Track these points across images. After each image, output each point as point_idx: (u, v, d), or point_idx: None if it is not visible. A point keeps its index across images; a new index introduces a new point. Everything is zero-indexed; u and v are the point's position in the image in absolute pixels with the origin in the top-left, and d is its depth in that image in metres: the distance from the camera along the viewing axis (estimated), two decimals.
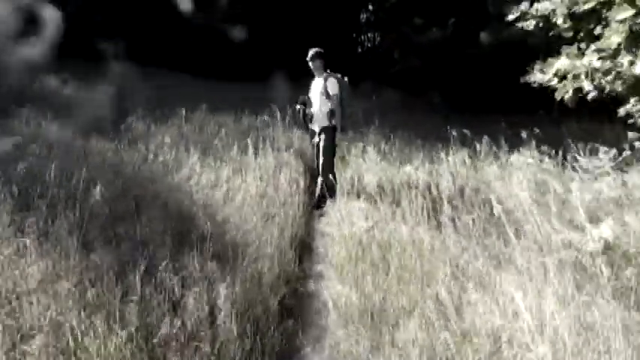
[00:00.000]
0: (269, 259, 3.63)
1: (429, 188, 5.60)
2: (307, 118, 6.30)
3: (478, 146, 7.44)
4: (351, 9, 25.75)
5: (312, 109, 6.23)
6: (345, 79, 6.24)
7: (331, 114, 6.03)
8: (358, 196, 5.74)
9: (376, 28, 26.89)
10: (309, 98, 6.28)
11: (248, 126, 8.09)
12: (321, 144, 6.09)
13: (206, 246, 3.41)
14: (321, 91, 6.04)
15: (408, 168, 6.54)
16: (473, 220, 4.56)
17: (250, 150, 6.43)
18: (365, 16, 28.86)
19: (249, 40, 17.93)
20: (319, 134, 6.15)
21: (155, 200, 4.14)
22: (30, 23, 10.04)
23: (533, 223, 4.35)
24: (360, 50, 27.79)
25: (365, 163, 6.86)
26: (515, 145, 7.85)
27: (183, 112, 8.22)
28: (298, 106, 6.30)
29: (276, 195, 5.16)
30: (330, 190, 5.86)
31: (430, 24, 16.35)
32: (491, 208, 4.85)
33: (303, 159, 6.92)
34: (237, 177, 5.47)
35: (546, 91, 9.30)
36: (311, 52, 6.17)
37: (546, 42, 14.19)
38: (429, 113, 12.60)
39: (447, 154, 7.36)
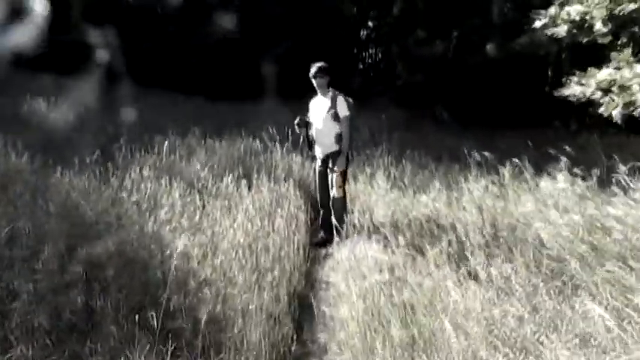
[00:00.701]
0: (257, 345, 2.67)
1: (452, 225, 4.65)
2: (310, 142, 5.43)
3: (499, 168, 6.50)
4: (351, 25, 25.03)
5: (313, 132, 5.34)
6: (350, 100, 5.33)
7: (339, 138, 5.13)
8: (368, 234, 4.79)
9: (377, 43, 26.16)
10: (308, 119, 5.39)
11: (243, 151, 7.15)
12: (330, 173, 5.18)
13: (170, 331, 2.45)
14: (327, 112, 5.13)
15: (424, 198, 5.59)
16: (514, 270, 3.61)
17: (244, 181, 5.51)
18: (365, 32, 28.19)
19: (246, 57, 17.16)
20: (324, 161, 5.26)
21: (116, 260, 3.20)
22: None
23: (593, 275, 3.39)
24: (361, 67, 27.04)
25: (374, 192, 5.91)
26: (540, 165, 6.90)
27: (171, 136, 7.31)
28: (297, 129, 5.42)
29: (271, 240, 4.20)
30: (340, 219, 4.95)
31: (433, 37, 15.49)
32: (534, 253, 3.91)
33: (304, 189, 5.98)
34: (226, 217, 4.53)
35: (563, 102, 8.43)
36: (314, 67, 5.24)
37: (559, 51, 13.37)
38: (438, 130, 11.66)
39: (466, 179, 6.41)
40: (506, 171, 6.24)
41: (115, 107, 9.83)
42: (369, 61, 27.88)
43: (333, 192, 5.12)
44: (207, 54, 18.03)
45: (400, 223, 4.94)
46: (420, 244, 4.20)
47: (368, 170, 6.62)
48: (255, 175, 5.83)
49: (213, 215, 4.50)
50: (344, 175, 5.20)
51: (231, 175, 5.85)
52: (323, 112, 5.18)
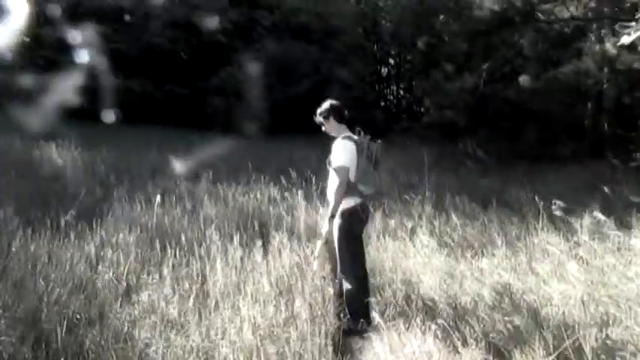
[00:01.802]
0: None
1: (536, 309, 3.32)
2: None
3: (567, 217, 5.17)
4: (373, 62, 24.21)
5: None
6: (378, 141, 3.94)
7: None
8: (416, 316, 3.48)
9: (399, 80, 25.20)
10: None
11: (258, 200, 5.96)
12: (334, 241, 3.73)
13: None
14: (329, 160, 3.78)
15: (484, 263, 4.27)
16: None
17: (258, 242, 4.29)
18: (386, 69, 27.33)
19: (267, 95, 16.29)
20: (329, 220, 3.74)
21: None
22: None
23: None
24: (383, 104, 26.06)
25: (417, 253, 4.61)
26: (610, 208, 5.56)
27: (179, 182, 6.18)
28: None
29: (289, 332, 2.94)
30: (354, 313, 3.50)
31: (461, 70, 14.37)
32: None
33: (332, 251, 4.72)
34: (232, 298, 3.29)
35: (614, 134, 7.19)
36: (320, 109, 3.89)
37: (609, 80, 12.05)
38: (474, 170, 10.33)
39: (528, 232, 5.09)
40: (580, 224, 4.91)
41: (115, 147, 8.85)
42: (391, 97, 26.94)
43: (314, 264, 3.73)
44: (229, 92, 17.32)
45: (460, 303, 3.62)
46: (499, 344, 2.89)
47: (407, 223, 5.33)
48: (273, 233, 4.60)
49: (214, 297, 3.26)
50: (344, 247, 3.64)
51: (244, 233, 4.67)
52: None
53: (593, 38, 11.70)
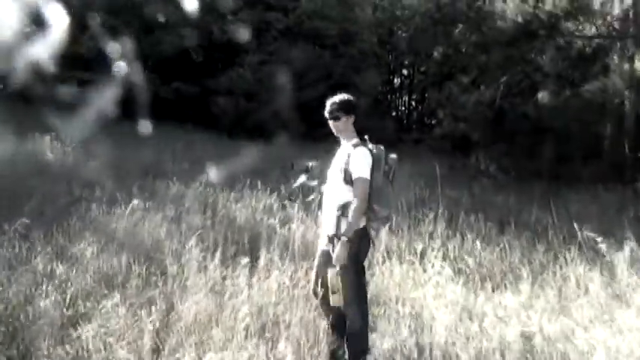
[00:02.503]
0: None
1: None
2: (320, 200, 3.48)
3: (599, 246, 4.45)
4: (385, 72, 23.54)
5: (324, 192, 3.29)
6: (394, 155, 3.23)
7: (345, 210, 2.95)
8: None
9: (411, 91, 24.50)
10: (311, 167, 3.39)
11: (252, 210, 5.29)
12: (338, 273, 2.92)
13: None
14: (338, 168, 3.09)
15: (508, 298, 3.56)
16: None
17: (244, 259, 3.62)
18: (399, 80, 26.64)
19: (278, 99, 15.68)
20: (330, 239, 3.05)
21: None
22: None
23: None
24: (394, 114, 25.35)
25: (429, 283, 3.91)
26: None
27: (171, 184, 5.54)
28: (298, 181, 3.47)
29: None
30: (356, 354, 2.90)
31: (478, 83, 13.68)
32: None
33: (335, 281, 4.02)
34: (196, 338, 2.61)
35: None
36: (330, 101, 3.19)
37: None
38: (489, 186, 9.59)
39: (557, 262, 4.37)
40: (618, 257, 4.18)
41: (112, 143, 8.23)
42: (403, 108, 26.24)
43: (332, 300, 2.90)
44: (237, 93, 16.72)
45: (482, 350, 2.91)
46: None
47: (417, 244, 4.62)
48: (263, 251, 3.92)
49: (177, 332, 2.59)
50: (350, 275, 2.91)
51: (230, 247, 4.00)
52: (334, 167, 3.13)
53: (616, 58, 10.98)
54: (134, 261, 3.34)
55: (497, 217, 6.39)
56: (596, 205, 7.73)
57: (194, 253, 3.66)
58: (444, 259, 4.42)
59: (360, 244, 2.97)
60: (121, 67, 10.58)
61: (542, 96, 11.77)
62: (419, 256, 4.43)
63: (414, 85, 23.81)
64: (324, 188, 3.19)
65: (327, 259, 2.99)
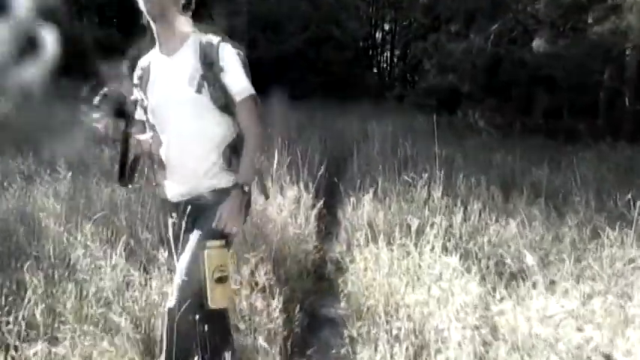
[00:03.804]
0: None
1: None
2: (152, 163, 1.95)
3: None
4: (367, 26, 21.82)
5: (152, 137, 1.87)
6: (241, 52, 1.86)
7: (233, 151, 1.83)
8: None
9: (394, 45, 22.87)
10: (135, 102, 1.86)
11: None
12: (201, 250, 1.70)
13: None
14: (193, 83, 1.76)
15: (542, 299, 2.35)
16: None
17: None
18: (380, 34, 24.92)
19: (250, 54, 14.06)
20: (189, 213, 1.80)
21: None
22: None
23: None
24: (375, 70, 23.80)
25: (428, 275, 2.69)
26: None
27: None
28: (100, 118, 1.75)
29: None
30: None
31: (467, 31, 12.24)
32: None
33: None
34: None
35: None
36: None
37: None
38: (482, 144, 8.36)
39: (595, 242, 3.17)
40: None
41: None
42: (384, 65, 24.66)
43: (209, 301, 1.67)
44: None
45: None
46: None
47: (410, 220, 3.37)
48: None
49: None
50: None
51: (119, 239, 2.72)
52: (178, 85, 1.79)
53: None
54: None
55: (499, 180, 5.17)
56: (605, 165, 6.57)
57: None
58: (446, 238, 3.20)
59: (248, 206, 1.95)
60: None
61: (538, 44, 10.44)
62: (414, 235, 3.19)
63: (396, 40, 22.19)
64: (158, 128, 1.86)
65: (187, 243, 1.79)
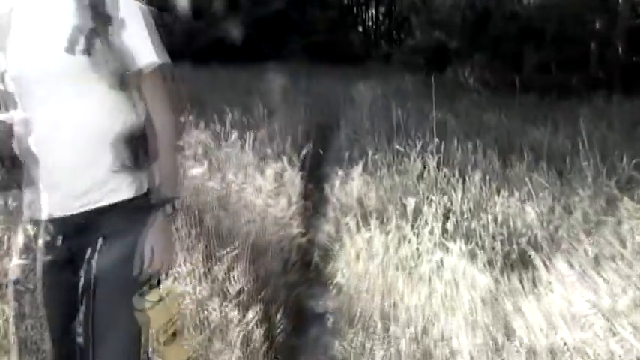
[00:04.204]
0: None
1: None
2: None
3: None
4: None
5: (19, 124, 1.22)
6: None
7: (132, 145, 1.21)
8: None
9: (379, 3, 21.90)
10: None
11: None
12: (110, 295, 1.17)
13: None
14: (71, 49, 1.14)
15: (572, 297, 2.00)
16: None
17: None
18: None
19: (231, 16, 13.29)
20: (66, 237, 1.20)
21: None
22: None
23: None
24: (360, 29, 22.89)
25: (428, 265, 2.32)
26: None
27: None
28: None
29: None
30: None
31: None
32: None
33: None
34: None
35: None
36: None
37: None
38: (475, 105, 7.92)
39: (614, 213, 2.82)
40: None
41: None
42: (370, 23, 23.73)
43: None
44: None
45: None
46: None
47: (404, 197, 2.98)
48: None
49: None
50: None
51: None
52: (50, 44, 1.16)
53: None
54: None
55: (496, 144, 4.77)
56: (604, 122, 6.18)
57: None
58: (446, 219, 2.83)
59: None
60: None
61: None
62: (410, 216, 2.81)
63: None
64: (21, 98, 1.21)
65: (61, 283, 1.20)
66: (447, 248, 2.46)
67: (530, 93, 8.26)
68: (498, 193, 3.27)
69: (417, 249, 2.55)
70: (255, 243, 2.55)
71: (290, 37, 14.67)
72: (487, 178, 3.48)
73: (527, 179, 3.31)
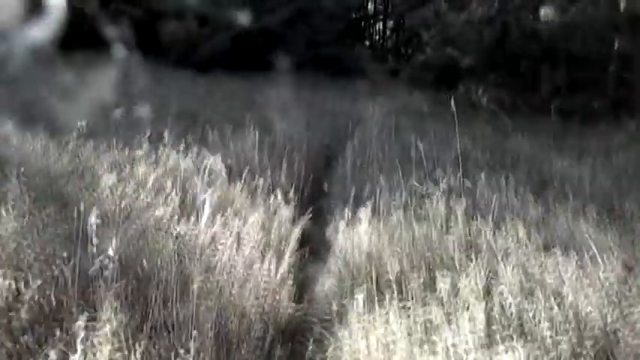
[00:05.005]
0: None
1: None
2: None
3: None
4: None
5: None
6: None
7: None
8: None
9: (387, 16, 21.19)
10: None
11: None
12: None
13: None
14: None
15: None
16: None
17: None
18: (373, 5, 23.17)
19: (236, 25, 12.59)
20: None
21: None
22: None
23: None
24: (368, 43, 22.18)
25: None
26: None
27: None
28: None
29: None
30: None
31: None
32: None
33: None
34: None
35: None
36: None
37: None
38: (493, 128, 7.11)
39: None
40: None
41: None
42: (377, 37, 22.98)
43: None
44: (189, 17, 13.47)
45: None
46: None
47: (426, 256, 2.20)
48: None
49: None
50: None
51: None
52: None
53: None
54: None
55: (532, 177, 3.99)
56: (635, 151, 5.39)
57: None
58: (487, 302, 2.03)
59: None
60: None
61: (546, 12, 9.10)
62: (447, 294, 2.02)
63: (389, 12, 20.54)
64: None
65: None
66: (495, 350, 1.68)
67: (546, 115, 7.50)
68: (547, 250, 2.49)
69: (454, 345, 1.76)
70: (226, 329, 1.77)
71: (296, 48, 13.96)
72: (530, 231, 2.70)
73: (586, 235, 2.51)
